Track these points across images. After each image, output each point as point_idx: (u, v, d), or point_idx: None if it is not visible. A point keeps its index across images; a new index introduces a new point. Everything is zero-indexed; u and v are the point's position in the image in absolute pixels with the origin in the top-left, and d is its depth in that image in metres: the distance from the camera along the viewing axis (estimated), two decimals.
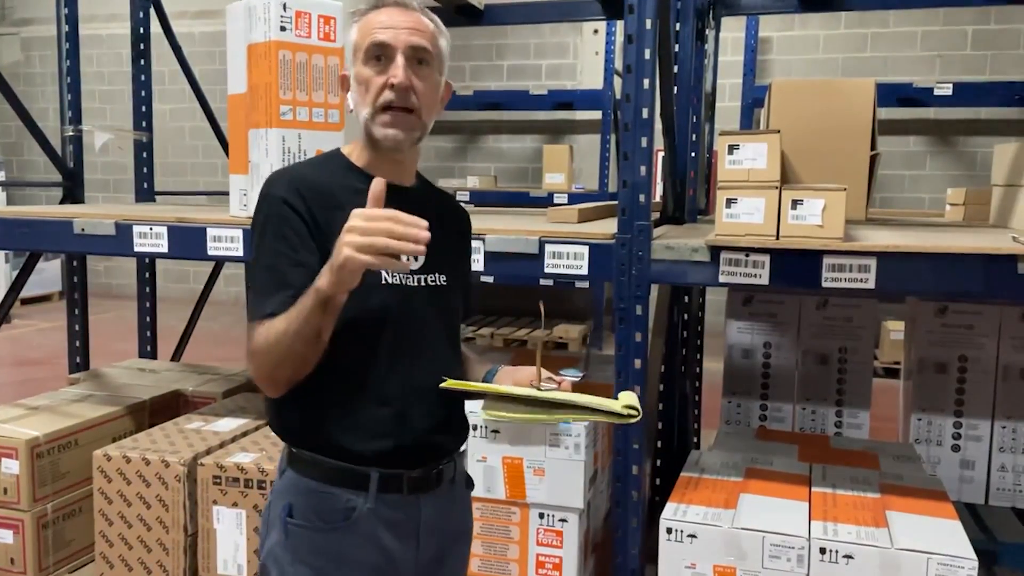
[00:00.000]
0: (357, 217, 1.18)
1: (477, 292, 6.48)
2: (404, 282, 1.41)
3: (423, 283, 1.44)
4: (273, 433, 1.50)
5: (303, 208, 1.35)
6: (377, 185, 1.22)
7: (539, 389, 1.36)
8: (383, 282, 1.38)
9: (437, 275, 1.47)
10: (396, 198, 1.36)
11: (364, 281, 1.27)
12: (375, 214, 1.18)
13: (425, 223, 1.18)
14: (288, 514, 1.39)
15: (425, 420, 1.41)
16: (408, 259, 1.30)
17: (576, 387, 1.44)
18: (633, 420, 1.29)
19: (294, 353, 1.28)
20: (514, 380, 1.45)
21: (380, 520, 1.39)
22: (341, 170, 1.44)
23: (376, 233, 1.15)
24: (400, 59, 1.37)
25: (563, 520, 2.21)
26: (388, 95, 1.36)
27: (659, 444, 3.04)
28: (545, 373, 1.42)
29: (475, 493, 2.21)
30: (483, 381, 1.51)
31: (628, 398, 1.34)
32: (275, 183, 1.39)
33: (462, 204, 1.69)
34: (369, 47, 1.38)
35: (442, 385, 1.32)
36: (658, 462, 3.04)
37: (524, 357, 3.33)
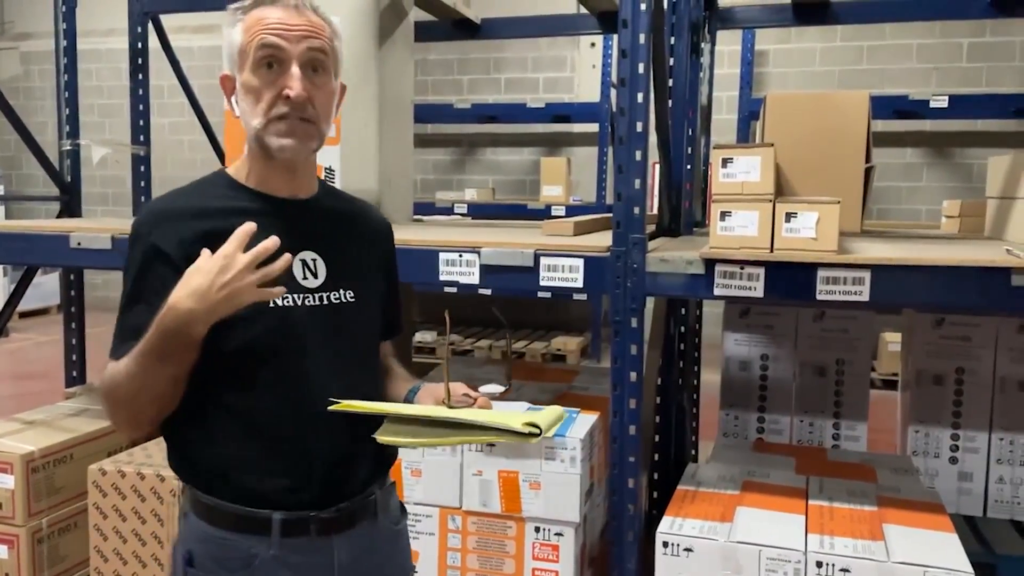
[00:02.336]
0: (194, 274, 1.13)
1: (474, 304, 6.48)
2: (300, 302, 1.29)
3: (322, 301, 1.32)
4: None
5: (174, 249, 1.24)
6: (243, 229, 1.15)
7: (450, 407, 1.29)
8: (271, 305, 1.26)
9: (342, 291, 1.35)
10: (290, 212, 1.32)
11: (250, 310, 1.19)
12: (205, 267, 1.13)
13: (272, 242, 1.14)
14: (188, 562, 1.29)
15: (328, 453, 1.29)
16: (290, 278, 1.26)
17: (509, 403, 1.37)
18: (533, 440, 1.20)
19: (145, 403, 1.22)
20: (434, 398, 1.37)
21: (287, 567, 1.27)
22: (224, 191, 1.32)
23: (218, 288, 1.12)
24: (295, 69, 1.25)
25: (559, 534, 2.21)
26: (282, 108, 1.25)
27: (656, 457, 3.03)
28: (462, 389, 1.34)
29: (471, 507, 2.22)
30: (404, 400, 1.43)
31: (543, 415, 1.25)
32: (144, 222, 1.30)
33: (380, 214, 1.57)
34: (259, 53, 1.25)
35: (330, 407, 1.23)
36: (655, 475, 3.03)
37: (521, 370, 3.33)
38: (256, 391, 1.27)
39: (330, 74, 1.31)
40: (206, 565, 1.28)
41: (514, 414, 1.25)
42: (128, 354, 1.20)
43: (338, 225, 1.40)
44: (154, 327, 1.16)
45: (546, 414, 1.27)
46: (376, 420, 1.27)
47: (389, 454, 1.42)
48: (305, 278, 1.31)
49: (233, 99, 1.31)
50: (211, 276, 1.13)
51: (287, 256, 1.14)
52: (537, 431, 1.19)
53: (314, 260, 1.33)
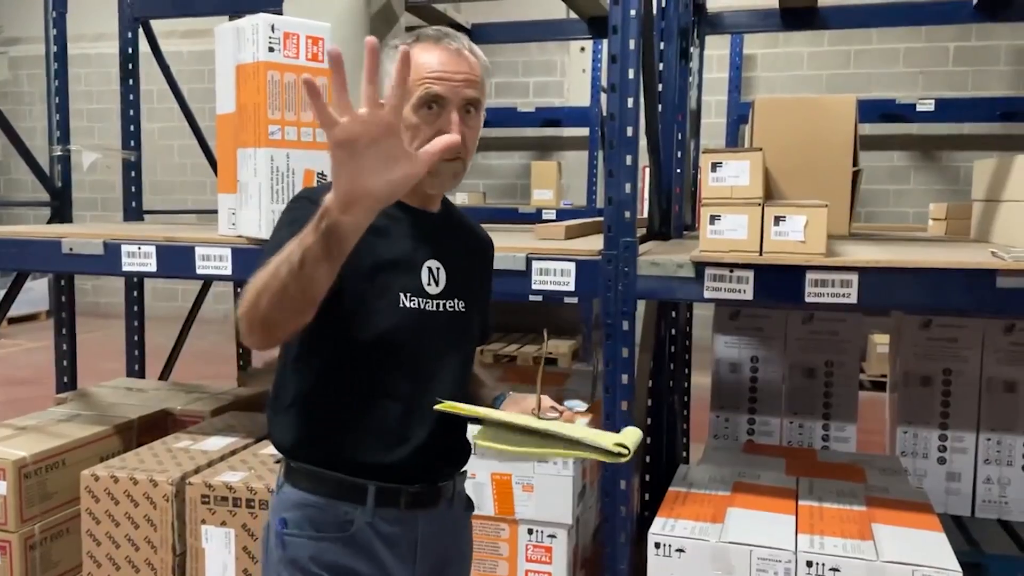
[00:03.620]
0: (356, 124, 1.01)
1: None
2: (423, 306, 1.39)
3: (442, 308, 1.42)
4: (262, 452, 1.49)
5: None
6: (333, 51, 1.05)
7: (539, 418, 1.35)
8: (400, 305, 1.36)
9: (456, 301, 1.44)
10: (420, 222, 1.41)
11: (381, 303, 1.31)
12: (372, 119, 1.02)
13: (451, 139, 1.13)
14: (283, 527, 1.38)
15: (427, 439, 1.39)
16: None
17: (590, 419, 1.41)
18: (622, 460, 1.26)
19: (282, 290, 1.11)
20: (520, 409, 1.44)
21: (377, 534, 1.37)
22: None
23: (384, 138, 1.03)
24: (455, 116, 1.33)
25: (552, 536, 2.22)
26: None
27: (647, 459, 3.05)
28: (549, 402, 1.42)
29: None
30: (491, 406, 1.50)
31: (627, 435, 1.31)
32: (304, 193, 1.39)
33: (485, 231, 1.65)
34: (422, 97, 1.33)
35: (437, 407, 1.30)
36: (647, 477, 3.04)
37: (514, 373, 3.34)
38: (378, 378, 1.37)
39: (480, 113, 1.40)
40: (303, 527, 1.37)
41: (602, 433, 1.32)
42: (283, 250, 1.13)
43: (456, 238, 1.49)
44: (320, 209, 1.08)
45: (630, 435, 1.32)
46: (463, 418, 1.37)
47: (468, 448, 1.53)
48: (429, 284, 1.40)
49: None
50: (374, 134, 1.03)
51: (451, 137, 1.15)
52: (626, 451, 1.24)
53: (438, 268, 1.42)
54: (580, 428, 1.32)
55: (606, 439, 1.27)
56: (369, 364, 1.36)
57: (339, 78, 1.03)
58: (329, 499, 1.37)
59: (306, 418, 1.40)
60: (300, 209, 1.30)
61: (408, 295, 1.37)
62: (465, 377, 1.51)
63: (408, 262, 1.39)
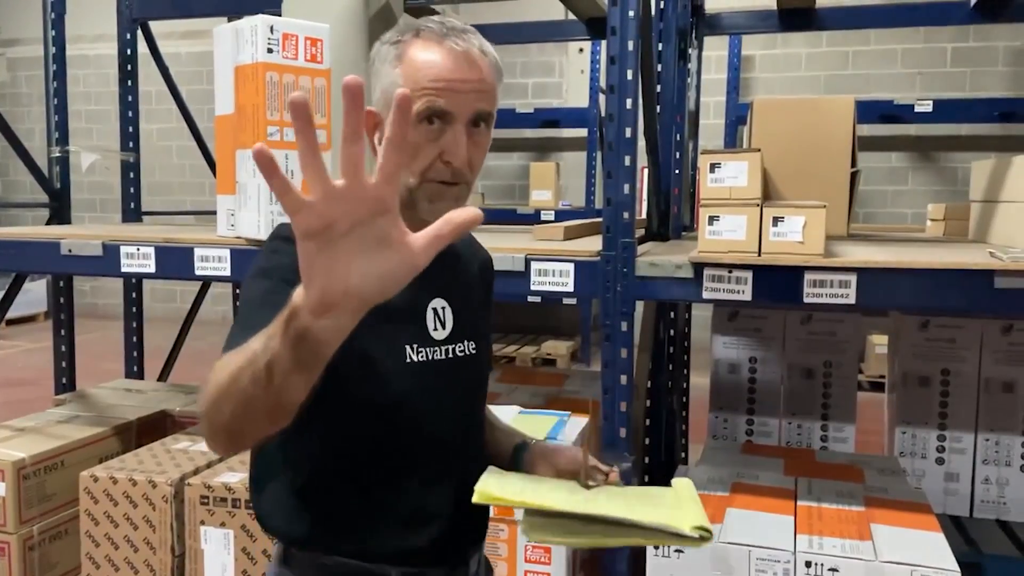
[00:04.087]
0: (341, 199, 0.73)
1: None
2: (431, 357, 1.19)
3: (451, 354, 1.22)
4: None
5: None
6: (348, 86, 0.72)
7: (586, 486, 1.19)
8: (408, 361, 1.16)
9: (466, 343, 1.24)
10: None
11: (386, 361, 1.12)
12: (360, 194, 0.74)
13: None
14: None
15: (449, 510, 1.20)
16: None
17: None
18: (705, 544, 1.08)
19: (247, 402, 0.88)
20: (555, 468, 1.25)
21: None
22: None
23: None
24: (461, 135, 1.12)
25: None
26: (441, 172, 1.13)
27: (646, 459, 3.05)
28: (592, 461, 1.24)
29: None
30: (512, 460, 1.31)
31: (690, 504, 1.16)
32: (283, 231, 1.14)
33: (481, 245, 1.42)
34: (422, 111, 1.11)
35: (475, 499, 1.08)
36: (645, 478, 3.04)
37: (511, 374, 3.34)
38: (391, 448, 1.17)
39: (491, 127, 1.18)
40: None
41: (675, 511, 1.13)
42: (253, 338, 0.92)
43: (457, 266, 1.28)
44: (287, 307, 0.84)
45: (693, 504, 1.16)
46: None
47: (488, 514, 1.33)
48: (435, 329, 1.20)
49: (376, 138, 1.16)
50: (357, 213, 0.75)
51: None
52: (708, 535, 1.07)
53: (443, 308, 1.23)
54: (651, 511, 1.12)
55: (679, 519, 1.08)
56: (379, 433, 1.16)
57: (307, 137, 0.72)
58: None
59: (309, 499, 1.17)
60: (278, 255, 1.09)
61: (415, 347, 1.17)
62: (479, 426, 1.32)
63: (411, 307, 1.18)
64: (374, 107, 1.18)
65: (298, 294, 0.79)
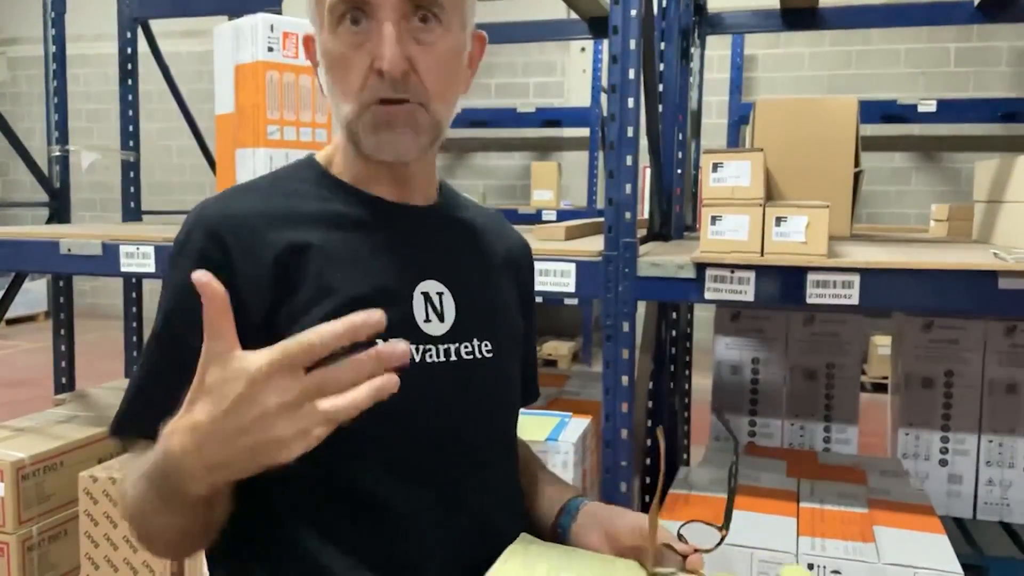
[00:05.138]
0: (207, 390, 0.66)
1: None
2: (420, 357, 0.89)
3: (455, 356, 0.92)
4: None
5: (227, 273, 0.80)
6: (311, 337, 0.64)
7: (652, 574, 0.92)
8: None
9: (477, 343, 0.94)
10: (401, 223, 0.94)
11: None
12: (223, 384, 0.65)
13: (371, 323, 0.64)
14: None
15: (454, 558, 0.88)
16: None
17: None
18: None
19: (169, 543, 0.83)
20: (613, 540, 0.96)
21: None
22: (314, 189, 0.94)
23: (231, 432, 0.65)
24: (388, 27, 0.83)
25: None
26: (376, 87, 0.86)
27: (648, 461, 3.04)
28: (664, 537, 0.92)
29: None
30: (556, 524, 0.99)
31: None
32: (197, 227, 0.89)
33: (514, 229, 1.13)
34: (333, 5, 0.86)
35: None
36: (647, 479, 3.03)
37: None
38: (369, 481, 0.86)
39: (448, 24, 0.88)
40: None
41: None
42: (137, 471, 0.83)
43: (467, 245, 1.00)
44: (156, 451, 0.74)
45: None
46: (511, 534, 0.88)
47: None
48: (428, 320, 0.90)
49: (319, 71, 0.93)
50: (224, 406, 0.65)
51: (403, 347, 0.66)
52: None
53: (440, 295, 0.92)
54: None
55: None
56: (351, 461, 0.85)
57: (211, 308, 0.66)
58: None
59: (272, 559, 0.88)
60: (173, 304, 0.88)
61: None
62: (506, 461, 0.98)
63: (388, 294, 0.88)
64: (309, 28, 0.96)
65: (170, 443, 0.71)
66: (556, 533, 1.00)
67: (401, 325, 0.89)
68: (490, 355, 0.95)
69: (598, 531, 0.96)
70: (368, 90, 0.86)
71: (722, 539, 0.99)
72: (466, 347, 0.93)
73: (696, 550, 0.94)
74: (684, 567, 0.92)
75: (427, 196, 0.99)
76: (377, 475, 0.86)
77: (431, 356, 0.90)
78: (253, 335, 0.73)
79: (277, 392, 0.64)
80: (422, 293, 0.92)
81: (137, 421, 0.89)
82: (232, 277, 0.82)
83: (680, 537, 0.94)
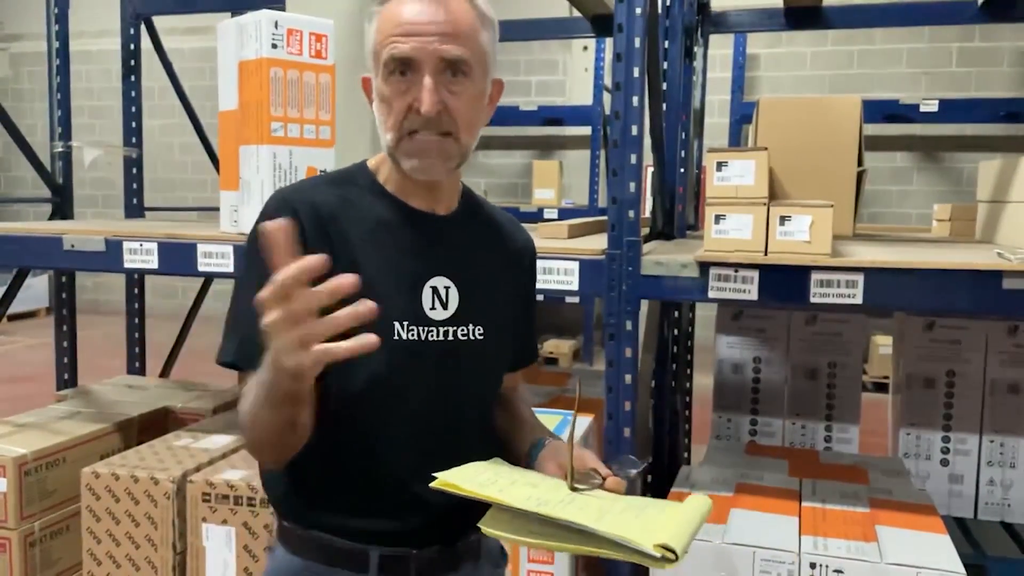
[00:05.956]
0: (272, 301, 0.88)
1: None
2: (425, 337, 1.15)
3: (451, 337, 1.18)
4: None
5: (306, 240, 1.09)
6: (273, 228, 0.89)
7: (572, 488, 1.11)
8: (396, 338, 1.13)
9: (471, 327, 1.20)
10: (423, 228, 1.18)
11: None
12: (271, 295, 0.87)
13: (341, 284, 0.87)
14: None
15: (437, 496, 1.11)
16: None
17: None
18: (669, 566, 0.96)
19: (268, 442, 1.06)
20: (558, 466, 1.18)
21: None
22: (366, 193, 1.18)
23: (293, 321, 0.87)
24: (428, 80, 1.09)
25: None
26: (414, 123, 1.11)
27: (649, 459, 3.04)
28: (592, 462, 1.15)
29: None
30: (527, 457, 1.25)
31: (681, 521, 1.04)
32: (277, 207, 1.14)
33: (526, 232, 1.37)
34: (388, 62, 1.10)
35: (433, 484, 1.06)
36: (649, 478, 3.03)
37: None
38: (375, 428, 1.16)
39: (473, 76, 1.13)
40: None
41: (650, 526, 1.01)
42: (239, 357, 1.10)
43: (477, 246, 1.24)
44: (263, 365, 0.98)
45: (685, 514, 1.06)
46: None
47: None
48: (433, 308, 1.16)
49: (373, 106, 1.17)
50: (279, 326, 0.89)
51: (371, 305, 0.88)
52: (673, 556, 0.95)
53: (447, 288, 1.18)
54: (612, 522, 1.01)
55: (646, 536, 0.97)
56: (363, 412, 1.15)
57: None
58: (326, 566, 1.18)
59: (296, 473, 1.18)
60: (255, 257, 1.06)
61: (406, 325, 1.14)
62: (481, 417, 1.27)
63: (404, 282, 1.15)
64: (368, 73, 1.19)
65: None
66: (526, 463, 1.25)
67: (411, 309, 1.15)
68: (481, 337, 1.21)
69: (553, 461, 1.19)
70: (407, 122, 1.11)
71: (643, 468, 1.27)
72: (462, 330, 1.19)
73: (615, 475, 1.14)
74: (603, 487, 1.12)
75: (449, 206, 1.23)
76: (385, 418, 1.15)
77: (432, 336, 1.16)
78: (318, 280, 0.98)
79: (294, 301, 0.87)
80: (431, 287, 1.17)
81: (232, 350, 1.13)
82: (299, 233, 1.04)
83: (609, 467, 1.16)
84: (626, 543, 0.96)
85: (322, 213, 1.13)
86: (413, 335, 1.14)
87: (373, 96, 1.16)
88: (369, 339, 0.89)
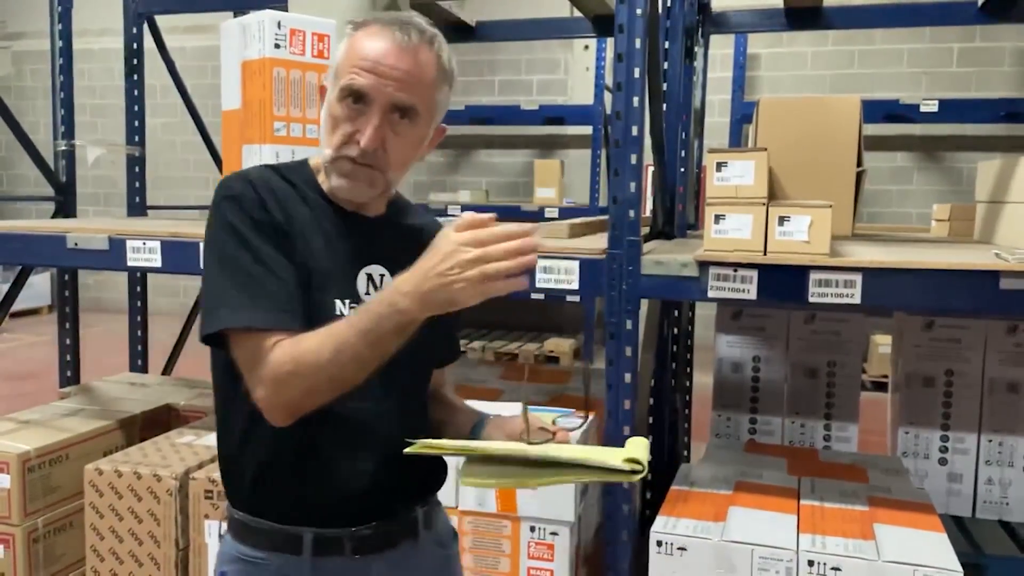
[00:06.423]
0: (457, 243, 1.04)
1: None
2: None
3: None
4: None
5: (268, 206, 1.19)
6: (474, 218, 1.06)
7: (529, 443, 1.19)
8: (337, 313, 1.21)
9: None
10: (355, 227, 1.27)
11: (318, 311, 1.17)
12: (479, 237, 1.03)
13: (526, 229, 1.04)
14: None
15: (376, 473, 1.22)
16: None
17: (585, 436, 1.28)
18: (637, 477, 1.09)
19: (344, 379, 1.11)
20: (505, 433, 1.28)
21: None
22: (307, 187, 1.27)
23: (489, 259, 1.02)
24: (375, 118, 1.17)
25: (554, 533, 2.22)
26: (351, 150, 1.19)
27: (592, 414, 3.05)
28: (537, 422, 1.25)
29: (467, 507, 2.24)
30: (470, 435, 1.34)
31: (634, 448, 1.14)
32: (240, 182, 1.22)
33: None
34: (344, 88, 1.18)
35: (408, 450, 1.12)
36: (648, 476, 3.04)
37: (515, 370, 3.35)
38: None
39: (417, 124, 1.21)
40: None
41: (607, 450, 1.16)
42: (282, 322, 1.14)
43: (404, 245, 1.28)
44: (413, 296, 1.07)
45: (637, 446, 1.16)
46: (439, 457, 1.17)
47: (436, 474, 1.36)
48: (368, 293, 1.25)
49: (321, 115, 1.26)
50: (440, 258, 1.05)
51: (530, 236, 1.04)
52: (640, 467, 1.08)
53: (381, 276, 1.27)
54: (583, 449, 1.17)
55: (613, 456, 1.10)
56: None
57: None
58: (265, 551, 1.23)
59: (237, 459, 1.24)
60: (244, 210, 1.17)
61: (347, 303, 1.22)
62: (415, 400, 1.34)
63: (342, 266, 1.24)
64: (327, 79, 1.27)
65: (408, 300, 1.07)
66: (469, 436, 1.34)
67: (350, 291, 1.24)
68: None
69: (499, 431, 1.28)
70: (345, 147, 1.20)
71: (585, 420, 1.36)
72: None
73: (564, 430, 1.25)
74: (554, 441, 1.22)
75: (377, 211, 1.33)
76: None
77: None
78: (286, 243, 1.18)
79: (465, 252, 1.03)
80: (367, 273, 1.27)
81: (278, 314, 1.15)
82: (264, 207, 1.19)
83: (555, 424, 1.29)
84: (598, 464, 1.08)
85: (274, 189, 1.22)
86: (351, 313, 1.21)
87: (323, 106, 1.25)
88: (529, 260, 1.04)
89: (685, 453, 3.56)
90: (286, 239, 1.19)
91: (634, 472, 1.08)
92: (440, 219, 1.49)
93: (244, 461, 1.24)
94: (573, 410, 1.36)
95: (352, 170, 1.20)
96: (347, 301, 1.23)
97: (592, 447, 1.21)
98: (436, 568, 1.36)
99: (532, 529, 2.23)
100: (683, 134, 3.10)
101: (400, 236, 1.32)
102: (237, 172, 1.26)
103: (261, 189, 1.21)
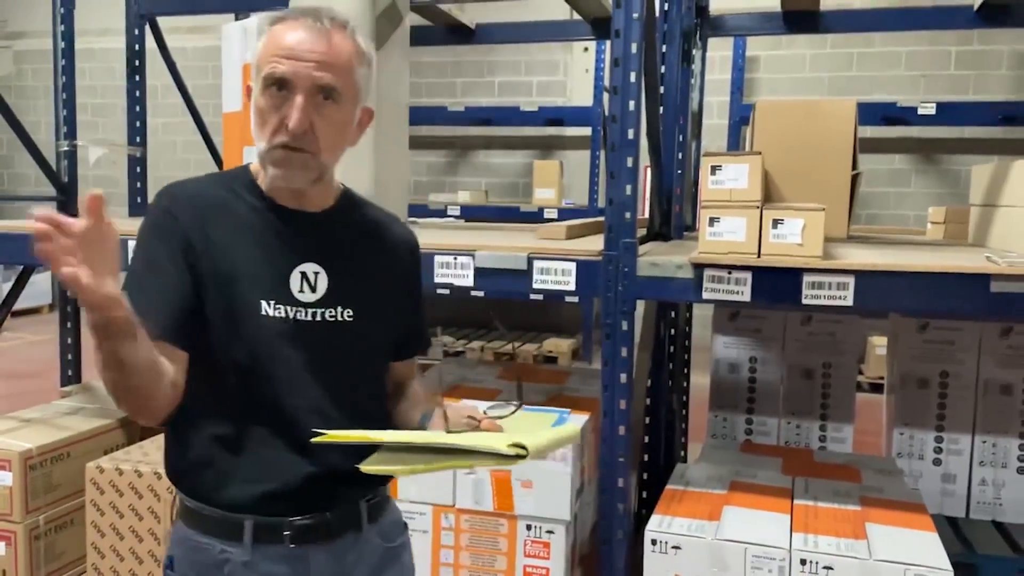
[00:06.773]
0: None
1: (469, 306, 6.50)
2: (293, 316, 1.25)
3: (319, 318, 1.27)
4: None
5: (182, 224, 1.24)
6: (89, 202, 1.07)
7: (448, 431, 1.23)
8: (263, 314, 1.24)
9: (338, 309, 1.29)
10: (294, 223, 1.29)
11: (242, 314, 1.21)
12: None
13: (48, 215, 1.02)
14: (169, 566, 1.30)
15: (309, 465, 1.25)
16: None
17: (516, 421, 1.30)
18: (520, 461, 1.10)
19: (120, 388, 1.13)
20: (442, 424, 1.29)
21: (257, 574, 1.25)
22: (244, 191, 1.30)
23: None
24: (299, 99, 1.20)
25: (550, 532, 2.24)
26: (282, 137, 1.21)
27: (645, 457, 3.07)
28: (468, 412, 1.28)
29: (464, 505, 2.26)
30: (417, 426, 1.37)
31: (524, 434, 1.17)
32: (161, 198, 1.29)
33: (406, 228, 1.47)
34: (267, 79, 1.21)
35: (315, 439, 1.13)
36: (644, 475, 3.07)
37: (514, 371, 3.36)
38: (237, 402, 1.25)
39: (343, 104, 1.24)
40: (184, 569, 1.28)
41: (496, 435, 1.19)
42: None
43: (354, 239, 1.33)
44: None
45: (545, 432, 1.20)
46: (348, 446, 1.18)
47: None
48: (301, 291, 1.27)
49: (251, 112, 1.28)
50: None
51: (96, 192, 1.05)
52: (524, 452, 1.09)
53: (316, 274, 1.28)
54: (471, 436, 1.18)
55: (499, 441, 1.12)
56: (235, 383, 1.24)
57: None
58: (209, 536, 1.26)
59: (181, 446, 1.28)
60: (156, 226, 1.26)
61: (273, 303, 1.24)
62: (361, 394, 1.34)
63: (273, 267, 1.26)
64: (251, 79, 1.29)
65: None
66: (420, 427, 1.36)
67: (279, 290, 1.26)
68: (351, 319, 1.30)
69: (440, 423, 1.29)
70: (276, 136, 1.22)
71: (516, 409, 1.35)
72: (330, 312, 1.28)
73: (490, 419, 1.27)
74: (479, 428, 1.25)
75: (322, 205, 1.33)
76: (256, 390, 1.24)
77: (301, 316, 1.26)
78: (192, 258, 1.23)
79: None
80: (300, 271, 1.27)
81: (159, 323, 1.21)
82: (177, 226, 1.25)
83: (484, 413, 1.30)
84: (483, 449, 1.10)
85: (198, 204, 1.26)
86: (280, 313, 1.24)
87: (251, 104, 1.27)
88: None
89: (682, 453, 3.58)
90: (197, 244, 1.24)
91: (518, 456, 1.09)
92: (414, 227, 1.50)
93: (192, 447, 1.27)
94: (510, 401, 1.38)
95: (285, 156, 1.22)
96: (272, 302, 1.25)
97: (485, 434, 1.23)
98: (379, 561, 1.36)
99: (528, 527, 2.25)
100: (680, 136, 3.13)
101: (348, 233, 1.34)
102: (172, 185, 1.31)
103: (180, 202, 1.27)
